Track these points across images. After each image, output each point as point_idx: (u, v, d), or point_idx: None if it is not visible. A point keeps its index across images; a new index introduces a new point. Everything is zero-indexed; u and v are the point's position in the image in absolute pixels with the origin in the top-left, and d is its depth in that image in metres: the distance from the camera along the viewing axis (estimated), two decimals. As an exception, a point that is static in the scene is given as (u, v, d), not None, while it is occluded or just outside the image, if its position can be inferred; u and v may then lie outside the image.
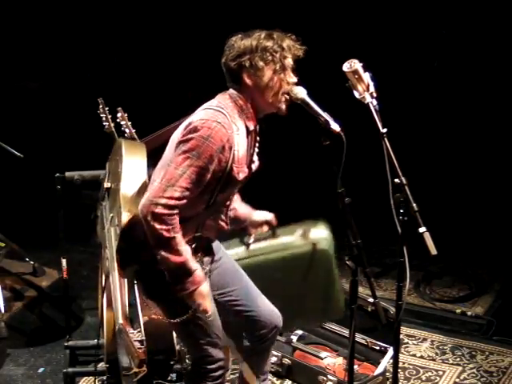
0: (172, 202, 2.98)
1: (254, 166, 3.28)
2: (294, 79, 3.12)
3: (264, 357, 3.59)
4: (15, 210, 5.78)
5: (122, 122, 4.05)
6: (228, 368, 3.46)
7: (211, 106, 3.09)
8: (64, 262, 4.25)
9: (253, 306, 3.42)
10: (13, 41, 6.21)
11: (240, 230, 3.57)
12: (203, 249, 3.26)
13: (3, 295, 4.49)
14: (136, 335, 2.96)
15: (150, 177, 3.28)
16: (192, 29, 6.20)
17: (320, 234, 3.94)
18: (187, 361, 3.63)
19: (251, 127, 3.15)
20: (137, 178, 3.29)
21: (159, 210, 2.98)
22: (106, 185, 3.68)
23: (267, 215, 3.57)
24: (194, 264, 3.08)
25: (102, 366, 4.16)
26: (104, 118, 4.13)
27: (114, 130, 4.11)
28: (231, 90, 3.14)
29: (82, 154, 5.67)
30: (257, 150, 3.27)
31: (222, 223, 3.27)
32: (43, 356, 4.49)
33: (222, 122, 3.01)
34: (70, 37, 6.24)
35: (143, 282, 3.27)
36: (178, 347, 3.86)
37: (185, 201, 3.01)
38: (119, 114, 4.07)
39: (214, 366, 3.34)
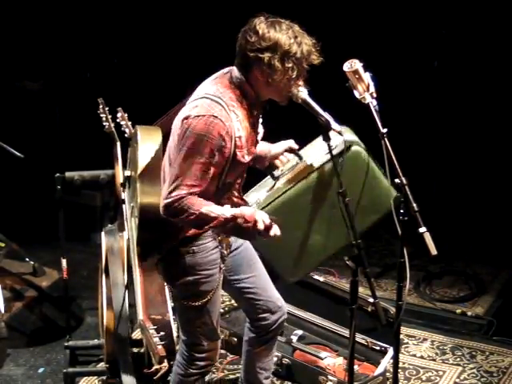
0: (179, 198, 3.02)
1: (260, 137, 3.29)
2: (301, 83, 3.10)
3: (267, 350, 3.61)
4: (15, 210, 5.77)
5: (122, 122, 4.05)
6: (215, 362, 3.49)
7: (208, 94, 3.06)
8: (64, 262, 4.26)
9: (263, 295, 3.46)
10: (13, 41, 6.20)
11: (268, 168, 3.51)
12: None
13: (3, 295, 4.49)
14: (157, 332, 2.96)
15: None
16: (191, 29, 6.20)
17: (348, 138, 3.50)
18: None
19: (255, 112, 3.15)
20: (153, 166, 3.28)
21: (172, 209, 3.03)
22: (126, 173, 3.69)
23: (285, 143, 3.51)
24: (235, 212, 3.08)
25: (102, 365, 4.17)
26: (104, 118, 4.14)
27: (114, 130, 4.12)
28: (235, 73, 3.09)
29: (82, 153, 5.68)
30: (260, 120, 3.26)
31: (237, 199, 3.29)
32: (43, 356, 4.49)
33: (219, 116, 3.00)
34: (70, 37, 6.24)
35: (165, 265, 3.28)
36: (177, 347, 3.87)
37: (195, 192, 3.04)
38: (119, 114, 4.07)
39: (201, 355, 3.37)
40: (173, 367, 3.50)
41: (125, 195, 3.74)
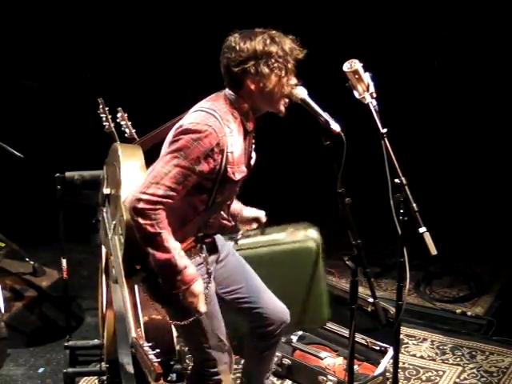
0: (154, 199, 2.98)
1: (253, 162, 3.29)
2: (295, 81, 3.11)
3: (271, 354, 3.60)
4: (15, 210, 5.78)
5: (122, 122, 4.05)
6: (231, 373, 3.45)
7: (203, 107, 3.08)
8: (64, 262, 4.26)
9: (261, 302, 3.42)
10: (12, 41, 6.21)
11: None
12: (208, 248, 3.25)
13: (3, 295, 4.49)
14: (153, 349, 2.88)
15: None
16: (191, 28, 6.20)
17: (309, 234, 4.10)
18: (187, 361, 3.62)
19: (250, 128, 3.15)
20: (135, 182, 3.26)
21: (141, 205, 2.98)
22: (106, 191, 3.62)
23: (258, 212, 3.56)
24: (182, 262, 3.05)
25: (102, 366, 4.17)
26: (104, 118, 4.13)
27: (114, 130, 4.11)
28: (228, 91, 3.11)
29: (82, 153, 5.68)
30: (253, 146, 3.27)
31: (225, 221, 3.27)
32: (43, 356, 4.49)
33: (213, 126, 3.01)
34: (70, 37, 6.24)
35: (149, 285, 3.25)
36: (178, 347, 3.86)
37: (169, 200, 3.00)
38: (119, 114, 4.07)
39: (216, 370, 3.34)
40: (185, 380, 3.49)
41: (103, 213, 3.68)
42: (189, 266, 3.07)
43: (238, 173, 3.13)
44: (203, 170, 3.02)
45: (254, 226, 3.57)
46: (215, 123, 3.02)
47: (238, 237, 3.59)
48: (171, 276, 3.05)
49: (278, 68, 3.03)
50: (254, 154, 3.30)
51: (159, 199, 2.98)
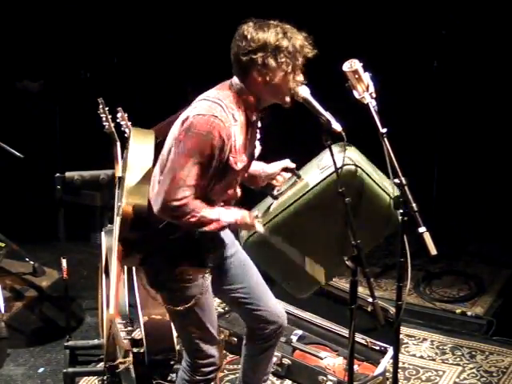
0: (184, 201, 3.03)
1: (257, 152, 3.30)
2: (302, 78, 3.10)
3: (267, 357, 3.60)
4: (15, 210, 5.77)
5: (122, 122, 4.05)
6: (220, 366, 3.47)
7: (208, 97, 3.08)
8: (64, 262, 4.26)
9: (261, 304, 3.43)
10: (13, 41, 6.20)
11: (264, 187, 3.49)
12: (212, 240, 3.26)
13: (3, 295, 4.49)
14: (125, 327, 2.96)
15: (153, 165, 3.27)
16: (191, 27, 6.20)
17: (348, 155, 3.36)
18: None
19: (253, 118, 3.16)
20: (141, 166, 3.27)
21: (176, 212, 3.04)
22: (118, 174, 3.73)
23: (281, 163, 3.46)
24: (230, 218, 3.14)
25: (102, 365, 4.17)
26: (104, 118, 4.14)
27: (113, 130, 4.12)
28: (235, 80, 3.11)
29: (82, 153, 5.68)
30: (258, 136, 3.27)
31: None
32: (43, 356, 4.49)
33: (220, 116, 3.01)
34: (70, 37, 6.24)
35: (146, 269, 3.28)
36: (178, 347, 3.87)
37: (195, 193, 3.07)
38: (119, 114, 4.07)
39: (204, 362, 3.35)
40: (178, 372, 3.49)
41: (116, 195, 3.74)
42: (237, 216, 3.18)
43: (240, 162, 3.13)
44: (221, 158, 3.06)
45: (287, 175, 3.46)
46: (221, 113, 3.02)
47: (276, 193, 3.44)
48: (229, 226, 3.20)
49: (285, 63, 3.03)
50: (258, 145, 3.30)
51: (188, 199, 3.04)
